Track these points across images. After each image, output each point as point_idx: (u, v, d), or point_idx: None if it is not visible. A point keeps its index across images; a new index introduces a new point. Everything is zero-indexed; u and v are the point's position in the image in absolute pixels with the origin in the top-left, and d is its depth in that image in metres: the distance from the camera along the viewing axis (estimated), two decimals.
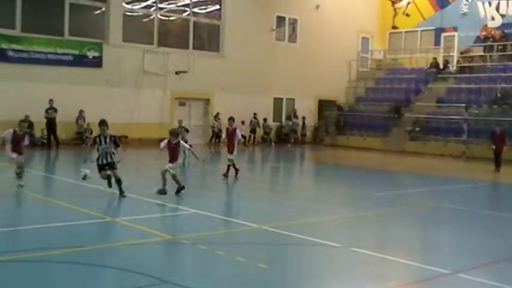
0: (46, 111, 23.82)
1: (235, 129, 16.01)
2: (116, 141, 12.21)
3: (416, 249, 9.13)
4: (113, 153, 12.09)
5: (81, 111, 25.16)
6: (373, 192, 14.77)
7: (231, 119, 16.48)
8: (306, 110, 33.37)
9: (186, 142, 21.66)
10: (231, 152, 15.81)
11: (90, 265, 7.23)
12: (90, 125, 24.91)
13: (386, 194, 14.45)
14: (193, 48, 29.57)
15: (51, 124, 24.08)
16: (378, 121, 30.79)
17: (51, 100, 23.96)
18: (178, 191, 12.38)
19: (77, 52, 25.65)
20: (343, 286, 7.05)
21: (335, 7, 33.88)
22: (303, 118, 32.86)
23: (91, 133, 24.42)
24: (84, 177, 12.88)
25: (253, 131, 30.82)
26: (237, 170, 15.95)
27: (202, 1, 30.40)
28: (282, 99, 33.11)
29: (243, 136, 29.86)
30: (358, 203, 13.33)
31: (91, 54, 26.06)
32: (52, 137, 24.13)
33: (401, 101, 31.19)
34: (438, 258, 8.33)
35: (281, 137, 32.52)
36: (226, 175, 15.78)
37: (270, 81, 31.68)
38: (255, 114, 30.74)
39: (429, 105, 29.83)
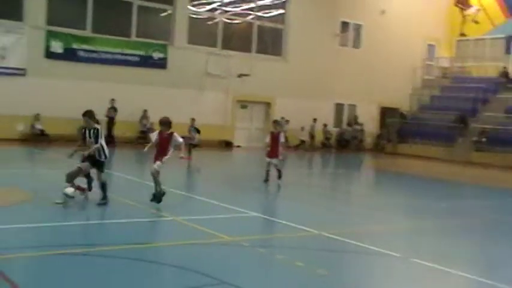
0: (108, 110, 24.47)
1: (279, 133, 15.33)
2: (98, 135, 10.45)
3: (481, 263, 8.83)
4: (102, 150, 10.51)
5: (145, 111, 25.68)
6: (436, 202, 14.41)
7: (276, 122, 15.93)
8: (368, 117, 32.97)
9: (194, 143, 20.73)
10: (275, 156, 15.10)
11: (150, 262, 7.34)
12: (153, 124, 25.42)
13: (450, 205, 14.07)
14: (256, 51, 29.72)
15: (110, 123, 24.69)
16: (443, 130, 30.02)
17: (112, 99, 24.59)
18: (155, 198, 10.79)
19: (143, 53, 26.24)
20: None
21: (401, 13, 33.34)
22: (361, 125, 32.48)
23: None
24: (65, 200, 10.12)
25: (312, 136, 30.72)
26: (280, 175, 15.12)
27: (266, 5, 30.52)
28: (343, 104, 32.84)
29: (302, 141, 30.09)
30: (420, 212, 13.02)
31: (156, 55, 26.60)
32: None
33: (468, 110, 30.33)
34: (504, 274, 8.02)
35: (341, 143, 32.23)
36: (267, 180, 15.14)
37: (332, 87, 31.46)
38: (314, 119, 30.61)
39: (497, 116, 28.88)
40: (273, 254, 8.09)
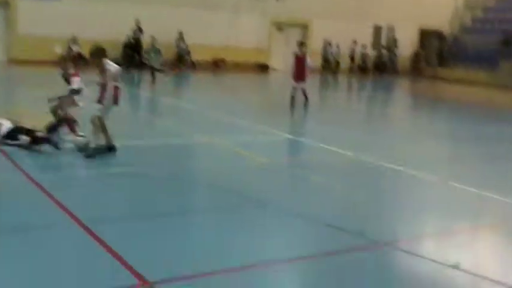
0: (133, 32, 23.87)
1: (304, 56, 14.57)
2: None
3: None
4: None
5: (180, 33, 25.41)
6: (478, 127, 14.14)
7: (302, 45, 15.06)
8: (407, 39, 32.06)
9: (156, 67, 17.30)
10: (301, 79, 14.37)
11: (189, 183, 7.47)
12: (189, 47, 25.29)
13: (494, 130, 13.75)
14: None
15: (136, 45, 24.22)
16: (485, 53, 28.99)
17: (137, 20, 23.90)
18: (106, 150, 8.37)
19: None
20: (441, 218, 6.84)
21: None
22: (397, 48, 31.63)
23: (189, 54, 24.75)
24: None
25: (352, 58, 30.22)
26: (307, 99, 14.52)
27: None
28: (381, 27, 31.95)
29: (337, 62, 29.63)
30: (461, 138, 12.82)
31: None
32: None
33: None
34: None
35: (379, 66, 31.61)
36: (293, 105, 14.42)
37: (370, 8, 30.44)
38: (354, 41, 29.97)
39: None
40: (311, 174, 8.13)
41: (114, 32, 23.63)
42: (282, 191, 7.41)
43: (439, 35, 32.09)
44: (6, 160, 7.78)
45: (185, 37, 25.30)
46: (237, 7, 27.02)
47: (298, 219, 6.17)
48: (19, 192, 6.62)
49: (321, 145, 10.36)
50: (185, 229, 5.79)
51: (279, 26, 28.98)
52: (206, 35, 25.70)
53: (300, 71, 14.46)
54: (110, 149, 8.38)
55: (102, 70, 8.32)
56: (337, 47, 29.50)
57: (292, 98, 14.50)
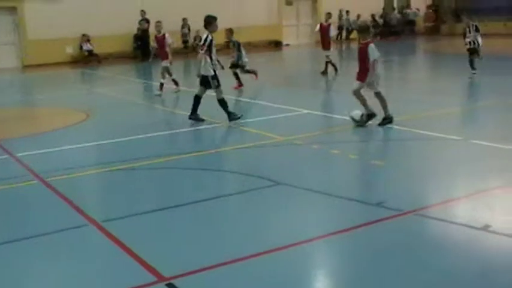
0: (139, 22, 23.48)
1: (329, 25, 15.61)
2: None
3: None
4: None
5: (184, 20, 25.18)
6: (496, 80, 13.77)
7: (328, 14, 16.06)
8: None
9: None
10: (327, 48, 15.51)
11: (206, 170, 7.36)
12: (199, 32, 25.07)
13: None
14: None
15: (143, 36, 24.05)
16: (502, 3, 28.18)
17: (142, 11, 23.89)
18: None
19: None
20: (466, 180, 6.61)
21: None
22: (417, 9, 31.06)
23: (200, 40, 24.65)
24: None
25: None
26: (335, 67, 15.69)
27: None
28: None
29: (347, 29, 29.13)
30: (480, 92, 12.49)
31: None
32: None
33: None
34: None
35: (394, 30, 31.02)
36: (324, 72, 15.62)
37: None
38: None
39: None
40: (327, 149, 7.95)
41: (124, 25, 23.65)
42: (298, 169, 7.26)
43: None
44: None
45: (193, 23, 25.11)
46: None
47: (317, 196, 6.04)
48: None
49: (338, 116, 10.14)
50: (207, 217, 5.67)
51: (288, 0, 28.60)
52: None
53: (323, 39, 15.56)
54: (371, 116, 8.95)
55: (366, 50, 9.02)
56: (358, 16, 28.84)
57: (326, 65, 15.62)
